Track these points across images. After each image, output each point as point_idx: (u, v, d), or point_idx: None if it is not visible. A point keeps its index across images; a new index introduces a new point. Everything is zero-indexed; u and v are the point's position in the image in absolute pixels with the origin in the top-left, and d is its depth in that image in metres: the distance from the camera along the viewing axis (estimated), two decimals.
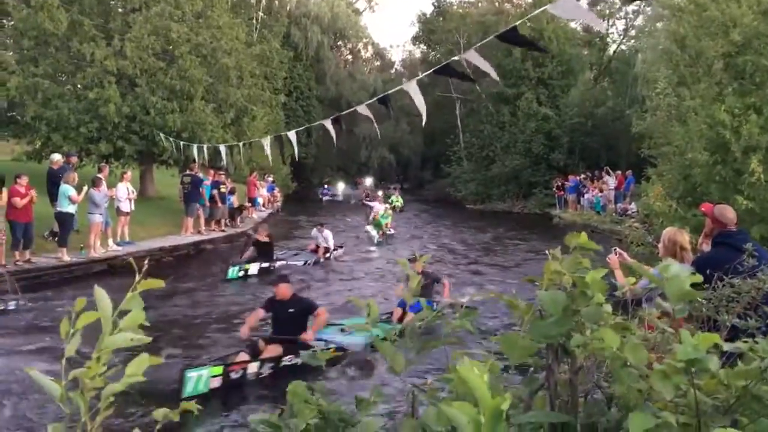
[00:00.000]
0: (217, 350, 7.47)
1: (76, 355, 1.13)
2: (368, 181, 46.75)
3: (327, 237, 14.89)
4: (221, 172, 17.88)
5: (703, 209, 4.04)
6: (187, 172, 16.33)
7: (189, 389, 5.75)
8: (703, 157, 11.34)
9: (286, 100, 33.17)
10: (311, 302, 7.28)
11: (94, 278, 10.43)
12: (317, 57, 42.28)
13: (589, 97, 33.03)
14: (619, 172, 23.84)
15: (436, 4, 42.45)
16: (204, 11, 19.51)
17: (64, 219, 11.38)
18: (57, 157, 13.03)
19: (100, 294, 1.12)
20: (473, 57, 4.00)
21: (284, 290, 6.95)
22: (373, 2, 53.15)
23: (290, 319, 6.86)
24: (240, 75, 21.21)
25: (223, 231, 17.43)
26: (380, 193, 33.54)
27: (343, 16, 44.65)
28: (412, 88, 4.94)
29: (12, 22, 18.11)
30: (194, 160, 15.34)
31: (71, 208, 11.40)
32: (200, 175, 16.31)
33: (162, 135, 16.26)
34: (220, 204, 17.28)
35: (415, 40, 45.37)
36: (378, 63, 56.03)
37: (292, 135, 7.98)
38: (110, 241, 12.83)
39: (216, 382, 5.99)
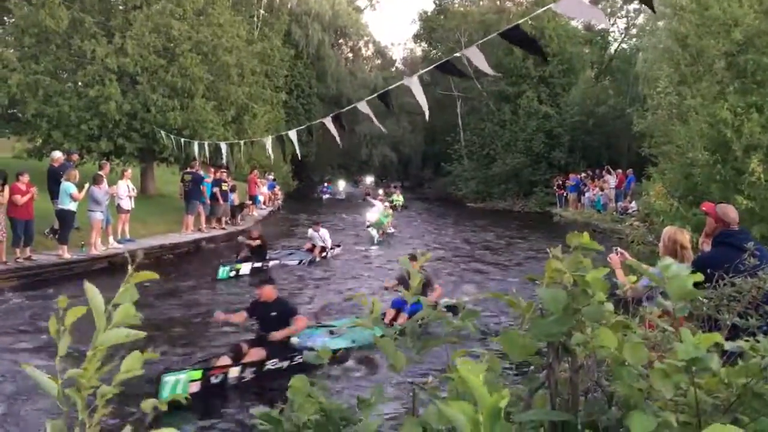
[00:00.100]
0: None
1: (76, 353, 1.13)
2: (369, 179, 46.77)
3: (323, 236, 14.72)
4: (223, 170, 17.86)
5: (704, 208, 4.03)
6: (188, 169, 16.32)
7: (166, 394, 5.54)
8: (703, 156, 11.34)
9: (286, 98, 33.14)
10: (293, 307, 7.16)
11: (94, 276, 10.43)
12: (318, 55, 42.25)
13: (590, 95, 33.02)
14: (620, 170, 23.84)
15: (437, 2, 42.37)
16: (205, 9, 19.50)
17: (64, 216, 11.39)
18: (58, 154, 13.03)
19: (92, 290, 1.11)
20: (473, 54, 4.00)
21: (268, 292, 6.85)
22: (374, 0, 53.18)
23: (274, 321, 6.74)
24: (241, 73, 21.20)
25: (224, 229, 17.43)
26: (381, 191, 33.55)
27: (344, 14, 44.63)
28: (414, 83, 4.93)
29: (13, 20, 18.11)
30: (195, 158, 15.33)
31: (72, 206, 11.41)
32: (201, 172, 16.31)
33: (163, 132, 16.26)
34: (221, 202, 17.28)
35: (416, 38, 45.28)
36: (379, 61, 55.99)
37: (292, 134, 7.97)
38: (111, 239, 12.84)
39: (195, 387, 5.81)
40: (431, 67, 5.04)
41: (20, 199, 10.43)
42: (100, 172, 12.77)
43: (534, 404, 1.40)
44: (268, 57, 25.82)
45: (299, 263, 13.84)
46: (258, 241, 13.23)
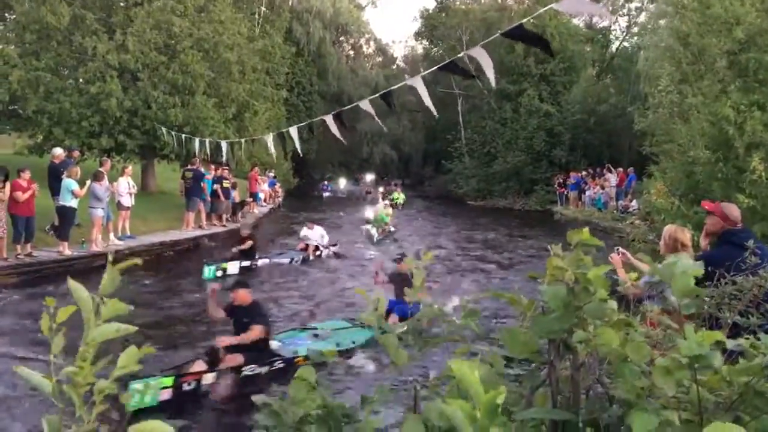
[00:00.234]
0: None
1: (74, 349, 1.12)
2: (369, 177, 46.75)
3: (319, 234, 14.41)
4: (225, 168, 17.87)
5: (708, 207, 4.02)
6: (189, 166, 16.33)
7: (134, 402, 5.19)
8: (705, 154, 11.33)
9: (287, 95, 33.18)
10: (260, 315, 6.58)
11: (95, 272, 10.43)
12: (319, 52, 42.24)
13: (592, 93, 33.00)
14: (621, 169, 23.83)
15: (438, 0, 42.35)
16: (206, 6, 19.50)
17: (65, 213, 11.39)
18: (59, 151, 13.03)
19: (76, 287, 1.10)
20: (477, 53, 3.98)
21: (242, 296, 6.52)
22: None
23: (246, 327, 6.36)
24: (242, 70, 21.21)
25: (224, 226, 17.43)
26: (381, 189, 33.52)
27: (345, 12, 44.61)
28: (418, 83, 4.93)
29: (14, 16, 18.10)
30: (195, 155, 15.33)
31: (73, 202, 11.41)
32: (202, 169, 16.31)
33: (164, 129, 16.26)
34: (222, 199, 17.30)
35: (418, 36, 45.20)
36: (380, 59, 55.94)
37: (293, 131, 7.97)
38: (111, 236, 12.84)
39: (166, 395, 5.46)
40: (435, 67, 5.03)
41: (21, 196, 10.43)
42: (101, 169, 12.77)
43: (535, 402, 1.40)
44: (269, 54, 25.85)
45: (291, 262, 13.49)
46: (250, 242, 12.89)
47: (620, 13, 37.82)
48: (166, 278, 11.35)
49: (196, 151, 14.38)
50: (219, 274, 11.66)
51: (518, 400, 1.35)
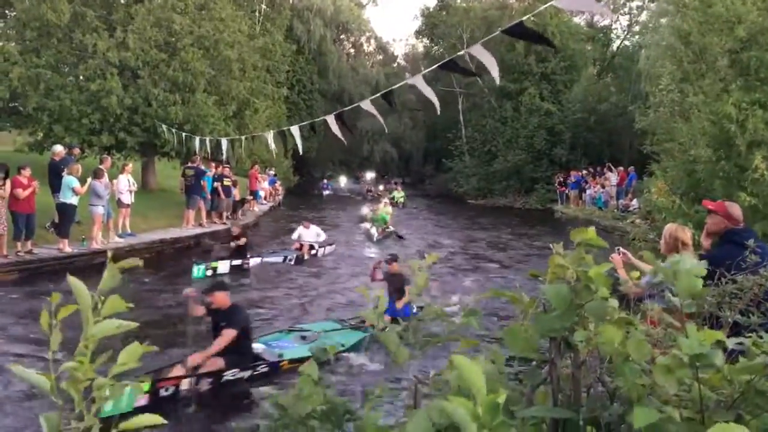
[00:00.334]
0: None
1: (73, 346, 1.12)
2: (369, 175, 46.73)
3: (313, 233, 14.15)
4: (226, 165, 17.85)
5: (711, 206, 4.01)
6: (190, 164, 16.33)
7: (108, 408, 5.18)
8: (707, 152, 11.32)
9: (288, 93, 33.15)
10: (238, 319, 6.21)
11: (95, 270, 10.44)
12: (320, 50, 42.21)
13: (592, 92, 32.99)
14: (621, 168, 23.82)
15: None
16: (206, 3, 19.47)
17: (66, 210, 11.39)
18: (59, 148, 13.03)
19: (75, 283, 1.10)
20: (479, 52, 3.97)
21: (220, 299, 6.18)
22: None
23: (224, 331, 6.06)
24: (242, 68, 21.19)
25: (225, 224, 17.42)
26: (381, 187, 33.53)
27: (345, 10, 44.58)
28: (419, 82, 4.92)
29: (14, 13, 18.08)
30: (196, 153, 15.32)
31: (74, 200, 11.41)
32: (202, 167, 16.32)
33: (164, 127, 16.25)
34: (223, 196, 17.32)
35: (418, 34, 45.19)
36: (380, 57, 55.90)
37: (295, 130, 7.96)
38: (111, 233, 12.85)
39: (143, 400, 5.21)
40: (435, 66, 5.02)
41: (22, 193, 10.43)
42: (101, 166, 12.77)
43: (536, 400, 1.40)
44: (270, 52, 25.82)
45: (284, 261, 13.21)
46: (244, 238, 12.66)
47: (621, 11, 37.79)
48: (166, 276, 11.34)
49: (197, 149, 14.37)
50: (209, 273, 11.38)
51: (519, 398, 1.35)
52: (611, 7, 36.35)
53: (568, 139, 32.36)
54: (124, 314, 1.12)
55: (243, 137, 14.15)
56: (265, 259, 13.12)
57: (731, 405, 1.18)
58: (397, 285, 8.22)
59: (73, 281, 1.09)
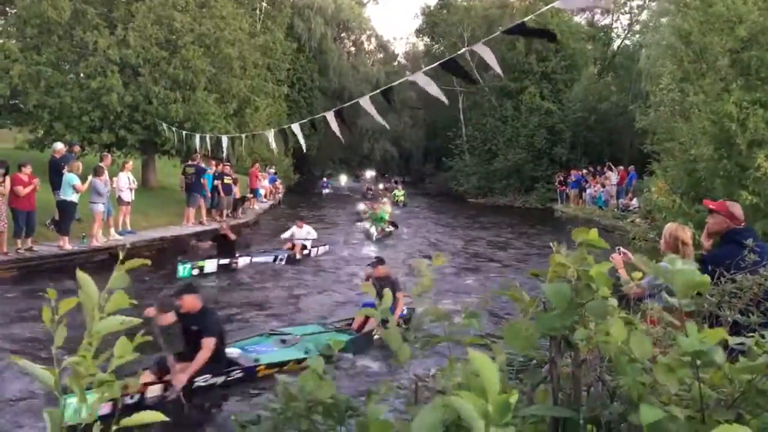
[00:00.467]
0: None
1: (73, 344, 1.12)
2: (369, 174, 46.75)
3: (307, 234, 13.84)
4: (227, 164, 17.85)
5: (712, 206, 4.01)
6: (190, 162, 16.34)
7: (67, 417, 4.94)
8: (708, 151, 11.33)
9: (288, 91, 33.15)
10: (212, 324, 5.92)
11: (95, 267, 10.46)
12: (320, 48, 42.20)
13: (593, 91, 32.98)
14: (622, 167, 23.82)
15: None
16: (207, 1, 19.46)
17: (66, 207, 11.39)
18: (59, 146, 13.03)
19: (84, 278, 1.10)
20: (480, 49, 3.98)
21: (189, 302, 5.83)
22: None
23: (195, 336, 5.73)
24: (243, 66, 21.18)
25: (225, 221, 17.43)
26: (381, 186, 33.52)
27: (346, 8, 44.55)
28: (421, 78, 4.93)
29: (15, 10, 18.08)
30: (196, 151, 15.32)
31: (74, 197, 11.41)
32: (203, 165, 16.33)
33: (164, 125, 16.25)
34: (223, 195, 17.33)
35: (419, 32, 45.18)
36: (381, 55, 55.89)
37: (296, 127, 7.96)
38: (112, 231, 12.85)
39: (106, 408, 4.79)
40: (436, 64, 5.03)
41: (23, 191, 10.44)
42: (101, 164, 12.77)
43: (536, 399, 1.41)
44: (271, 50, 25.82)
45: (275, 261, 12.84)
46: (234, 235, 12.32)
47: (622, 11, 37.78)
48: (166, 274, 11.32)
49: (197, 147, 14.37)
50: (195, 272, 11.06)
51: (520, 397, 1.36)
52: (611, 6, 36.37)
53: (569, 138, 32.37)
54: (127, 311, 1.13)
55: (243, 135, 14.14)
56: (255, 259, 12.74)
57: (732, 404, 1.19)
58: (385, 288, 7.78)
59: (81, 276, 1.09)
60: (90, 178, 11.81)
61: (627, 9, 37.64)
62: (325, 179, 39.48)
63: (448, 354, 1.43)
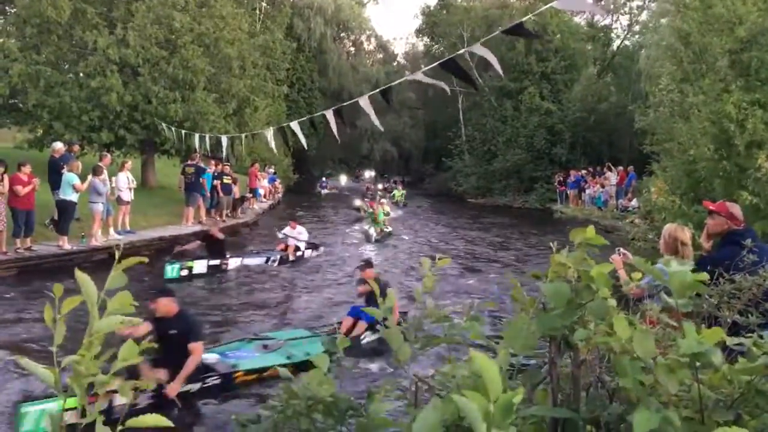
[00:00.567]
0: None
1: (71, 345, 1.12)
2: (368, 173, 46.75)
3: (299, 235, 13.55)
4: (226, 163, 17.84)
5: (712, 207, 4.01)
6: (189, 162, 16.33)
7: (28, 428, 4.52)
8: (708, 152, 11.33)
9: (288, 91, 33.12)
10: (194, 327, 5.71)
11: (94, 267, 10.44)
12: (320, 48, 42.21)
13: (592, 92, 32.98)
14: (621, 168, 23.83)
15: None
16: (207, 1, 19.45)
17: (65, 207, 11.38)
18: (59, 145, 13.01)
19: (83, 278, 1.10)
20: (479, 49, 3.99)
21: (164, 306, 5.61)
22: None
23: (173, 341, 5.43)
24: (242, 65, 21.17)
25: (224, 222, 17.42)
26: (380, 186, 33.49)
27: (346, 8, 44.54)
28: (420, 77, 4.94)
29: (15, 10, 18.07)
30: (196, 150, 15.31)
31: (74, 197, 11.40)
32: (202, 165, 16.31)
33: (164, 124, 16.25)
34: (222, 194, 17.32)
35: (419, 33, 45.17)
36: (381, 55, 55.90)
37: (295, 126, 7.96)
38: (111, 230, 12.84)
39: (69, 418, 4.82)
40: (436, 63, 5.03)
41: (21, 190, 10.43)
42: (101, 163, 12.76)
43: (535, 399, 1.41)
44: (270, 50, 25.80)
45: (266, 262, 12.52)
46: (220, 235, 12.00)
47: (622, 11, 37.80)
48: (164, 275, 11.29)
49: (197, 147, 14.35)
50: (184, 273, 10.76)
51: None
52: (611, 7, 36.39)
53: (568, 139, 32.37)
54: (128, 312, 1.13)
55: (243, 135, 14.12)
56: (246, 260, 12.41)
57: (731, 405, 1.19)
58: (374, 292, 7.37)
59: (80, 276, 1.09)
60: (89, 177, 11.81)
61: (627, 9, 37.70)
62: (324, 179, 39.48)
63: (448, 355, 1.43)
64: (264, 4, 32.20)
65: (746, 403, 1.18)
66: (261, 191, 24.08)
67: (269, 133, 9.96)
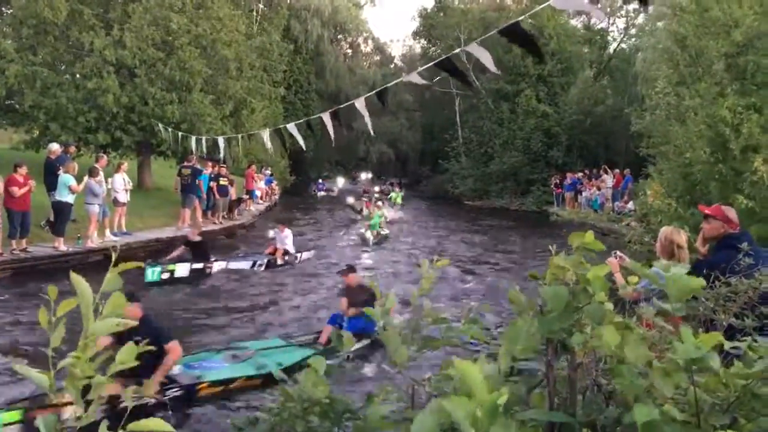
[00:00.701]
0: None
1: (66, 347, 1.12)
2: (364, 175, 46.72)
3: (285, 238, 13.20)
4: (223, 165, 17.82)
5: (708, 211, 4.01)
6: (186, 163, 16.30)
7: None
8: (704, 155, 11.37)
9: (285, 93, 33.10)
10: (162, 331, 5.53)
11: (90, 268, 10.41)
12: (317, 50, 42.21)
13: (589, 95, 33.05)
14: (617, 170, 23.88)
15: None
16: (204, 2, 19.43)
17: (62, 208, 11.36)
18: (55, 146, 12.99)
19: (78, 280, 1.10)
20: (475, 49, 3.99)
21: (129, 313, 4.94)
22: None
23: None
24: (239, 67, 21.15)
25: (221, 223, 17.40)
26: (377, 188, 33.45)
27: (343, 10, 44.56)
28: (416, 78, 4.94)
29: (11, 10, 18.03)
30: (192, 152, 15.28)
31: (70, 198, 11.38)
32: (199, 166, 16.29)
33: (160, 126, 16.22)
34: (219, 196, 17.30)
35: (416, 35, 45.21)
36: (378, 57, 55.95)
37: (291, 127, 7.95)
38: (107, 232, 12.81)
39: (13, 430, 4.47)
40: (431, 63, 5.03)
41: (17, 192, 10.41)
42: (97, 165, 12.73)
43: (531, 402, 1.41)
44: (267, 52, 25.78)
45: (253, 266, 12.22)
46: (199, 237, 11.70)
47: (618, 14, 37.88)
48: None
49: (193, 148, 14.31)
50: (165, 276, 10.48)
51: (518, 400, 1.36)
52: (608, 9, 36.47)
53: (565, 141, 32.44)
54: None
55: (239, 136, 14.09)
56: (232, 264, 12.14)
57: (727, 408, 1.19)
58: (359, 298, 7.06)
59: (75, 279, 1.09)
60: (85, 179, 11.78)
61: (623, 12, 37.78)
62: (320, 181, 39.44)
63: (445, 357, 1.42)
64: (261, 5, 32.19)
65: (742, 406, 1.18)
66: (258, 193, 24.05)
67: (266, 135, 9.95)
